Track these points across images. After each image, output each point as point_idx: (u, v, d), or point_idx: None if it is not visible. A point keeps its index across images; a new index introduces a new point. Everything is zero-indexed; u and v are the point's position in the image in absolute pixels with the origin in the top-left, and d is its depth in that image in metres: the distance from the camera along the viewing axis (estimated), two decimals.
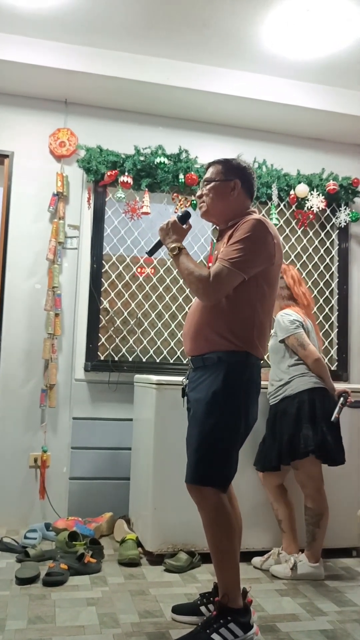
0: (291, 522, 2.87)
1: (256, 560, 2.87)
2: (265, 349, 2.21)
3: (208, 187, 2.24)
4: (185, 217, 2.25)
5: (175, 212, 3.76)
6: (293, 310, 2.89)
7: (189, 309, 3.75)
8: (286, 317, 2.84)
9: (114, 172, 3.58)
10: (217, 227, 2.33)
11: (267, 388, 2.93)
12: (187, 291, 3.83)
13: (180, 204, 3.75)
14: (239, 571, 2.08)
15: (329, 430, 2.74)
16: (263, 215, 2.18)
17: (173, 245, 2.18)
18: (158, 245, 2.31)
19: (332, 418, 2.72)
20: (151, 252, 2.34)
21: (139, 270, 3.77)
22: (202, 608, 2.23)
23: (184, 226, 2.23)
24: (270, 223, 2.17)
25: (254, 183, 2.30)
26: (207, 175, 2.27)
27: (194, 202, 3.76)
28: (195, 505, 2.07)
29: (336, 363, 4.05)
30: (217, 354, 2.10)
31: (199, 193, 2.28)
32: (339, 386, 2.88)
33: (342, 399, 2.77)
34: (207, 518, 2.08)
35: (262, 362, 2.21)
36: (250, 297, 2.11)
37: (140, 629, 2.13)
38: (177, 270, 3.75)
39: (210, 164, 2.30)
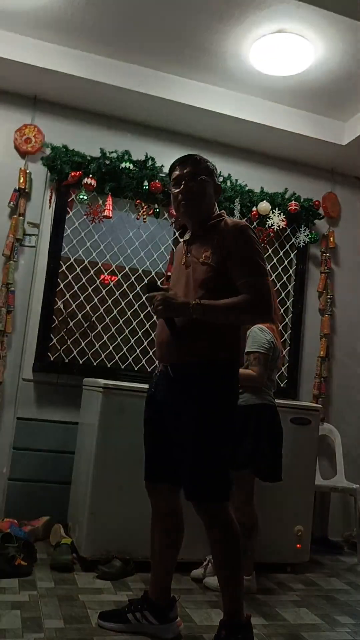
0: None
1: (196, 572, 2.86)
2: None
3: (199, 179, 2.14)
4: (153, 287, 2.08)
5: (137, 219, 3.74)
6: (270, 329, 2.86)
7: (145, 315, 3.79)
8: (265, 334, 2.81)
9: (78, 173, 3.57)
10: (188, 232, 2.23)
11: None
12: (144, 297, 3.82)
13: (143, 212, 3.75)
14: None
15: (270, 447, 2.75)
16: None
17: (189, 310, 1.97)
18: (172, 324, 2.03)
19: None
20: (176, 333, 2.03)
21: (102, 277, 3.76)
22: (129, 615, 2.19)
23: (157, 291, 2.04)
24: None
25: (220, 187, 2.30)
26: (190, 169, 2.14)
27: (157, 210, 3.77)
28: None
29: (286, 381, 4.09)
30: (202, 363, 2.01)
31: (176, 191, 2.16)
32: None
33: None
34: (219, 536, 2.02)
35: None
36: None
37: (63, 635, 2.09)
38: (134, 276, 3.79)
39: (187, 159, 2.18)
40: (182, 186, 2.15)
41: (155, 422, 2.19)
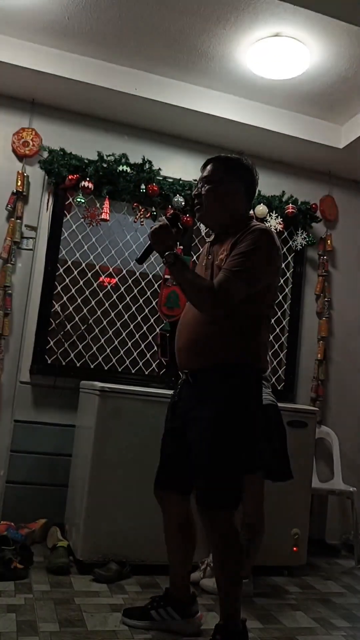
0: None
1: (195, 575, 2.84)
2: (267, 362, 2.13)
3: (207, 187, 2.10)
4: (174, 220, 2.07)
5: (135, 222, 3.76)
6: None
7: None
8: None
9: (75, 176, 3.57)
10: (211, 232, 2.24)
11: None
12: (141, 300, 3.83)
13: (140, 214, 3.76)
14: None
15: (280, 447, 2.75)
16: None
17: (166, 253, 1.99)
18: (148, 250, 2.09)
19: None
20: (142, 259, 2.12)
21: (100, 279, 3.76)
22: (153, 612, 2.22)
23: (174, 230, 2.05)
24: (275, 234, 2.08)
25: (256, 187, 2.19)
26: (206, 173, 2.13)
27: (154, 213, 3.77)
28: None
29: (283, 383, 4.09)
30: (221, 368, 2.01)
31: (195, 192, 2.15)
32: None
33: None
34: (221, 543, 2.02)
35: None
36: (256, 309, 2.04)
37: (58, 638, 2.09)
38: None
39: (210, 161, 2.15)
40: (195, 191, 2.17)
41: (175, 431, 2.16)
